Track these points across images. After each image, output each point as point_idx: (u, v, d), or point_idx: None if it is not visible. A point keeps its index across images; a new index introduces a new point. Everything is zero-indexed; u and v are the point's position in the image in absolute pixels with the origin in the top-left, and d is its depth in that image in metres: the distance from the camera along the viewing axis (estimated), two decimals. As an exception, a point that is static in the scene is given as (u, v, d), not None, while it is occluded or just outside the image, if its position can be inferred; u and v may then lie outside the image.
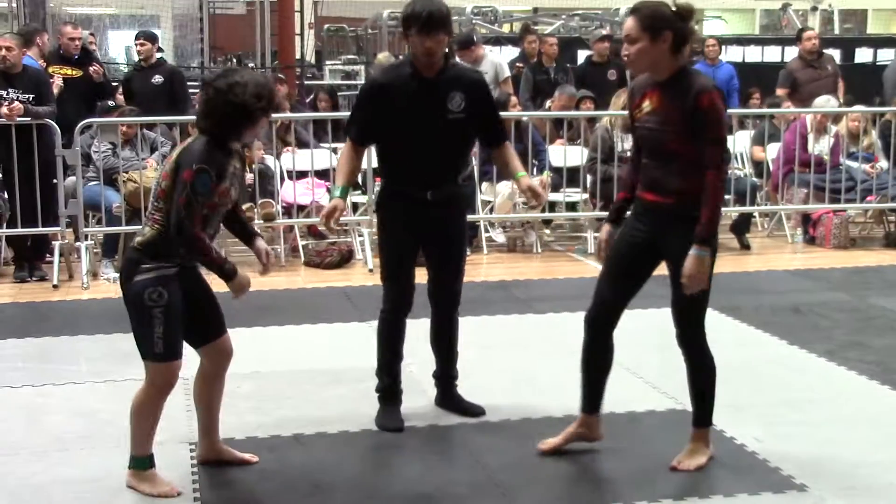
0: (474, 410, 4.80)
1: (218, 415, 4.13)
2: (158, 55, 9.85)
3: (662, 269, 4.05)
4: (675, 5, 3.91)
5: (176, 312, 3.76)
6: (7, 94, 7.63)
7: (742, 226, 9.05)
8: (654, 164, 3.99)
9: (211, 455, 4.15)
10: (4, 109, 7.49)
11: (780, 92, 10.73)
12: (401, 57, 4.57)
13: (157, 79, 9.42)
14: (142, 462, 3.89)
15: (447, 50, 4.53)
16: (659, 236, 3.98)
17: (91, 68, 9.00)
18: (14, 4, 15.25)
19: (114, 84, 10.72)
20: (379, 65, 4.74)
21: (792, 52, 12.59)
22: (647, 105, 3.99)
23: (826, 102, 9.60)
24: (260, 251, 4.02)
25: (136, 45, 9.74)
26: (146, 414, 3.84)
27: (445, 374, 4.85)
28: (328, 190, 8.50)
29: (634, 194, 4.10)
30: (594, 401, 4.24)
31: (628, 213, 4.19)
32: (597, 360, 4.19)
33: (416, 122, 4.41)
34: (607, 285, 4.13)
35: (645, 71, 4.01)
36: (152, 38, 9.72)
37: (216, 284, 3.93)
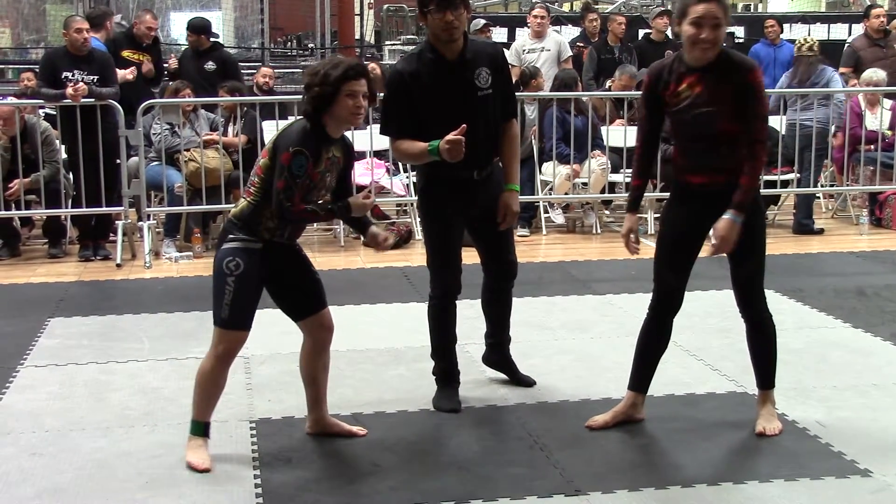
0: (526, 381, 4.84)
1: (325, 389, 4.24)
2: (212, 40, 9.84)
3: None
4: None
5: (249, 285, 3.87)
6: (73, 75, 7.74)
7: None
8: (702, 146, 4.02)
9: (318, 428, 4.26)
10: (69, 90, 7.61)
11: (843, 70, 10.52)
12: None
13: (210, 65, 9.46)
14: (196, 427, 4.01)
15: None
16: (712, 216, 4.00)
17: (144, 68, 9.04)
18: (79, -13, 15.45)
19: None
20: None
21: (859, 30, 12.32)
22: (685, 90, 3.99)
23: (873, 74, 9.38)
24: (375, 235, 4.07)
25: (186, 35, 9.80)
26: (207, 380, 3.97)
27: (497, 337, 4.84)
28: (387, 171, 8.53)
29: (647, 180, 4.16)
30: (645, 381, 4.35)
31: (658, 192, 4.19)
32: (656, 343, 4.31)
33: (449, 106, 4.34)
34: (668, 272, 4.19)
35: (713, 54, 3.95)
36: (198, 30, 9.60)
37: (319, 263, 3.96)
